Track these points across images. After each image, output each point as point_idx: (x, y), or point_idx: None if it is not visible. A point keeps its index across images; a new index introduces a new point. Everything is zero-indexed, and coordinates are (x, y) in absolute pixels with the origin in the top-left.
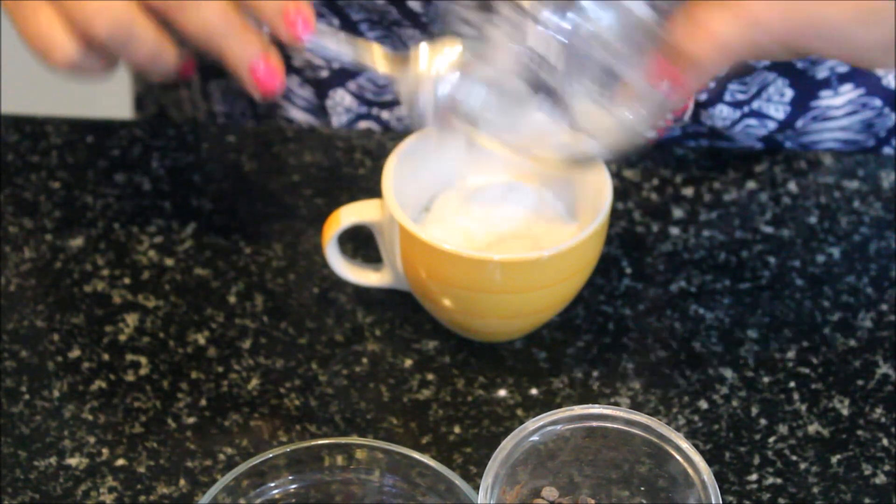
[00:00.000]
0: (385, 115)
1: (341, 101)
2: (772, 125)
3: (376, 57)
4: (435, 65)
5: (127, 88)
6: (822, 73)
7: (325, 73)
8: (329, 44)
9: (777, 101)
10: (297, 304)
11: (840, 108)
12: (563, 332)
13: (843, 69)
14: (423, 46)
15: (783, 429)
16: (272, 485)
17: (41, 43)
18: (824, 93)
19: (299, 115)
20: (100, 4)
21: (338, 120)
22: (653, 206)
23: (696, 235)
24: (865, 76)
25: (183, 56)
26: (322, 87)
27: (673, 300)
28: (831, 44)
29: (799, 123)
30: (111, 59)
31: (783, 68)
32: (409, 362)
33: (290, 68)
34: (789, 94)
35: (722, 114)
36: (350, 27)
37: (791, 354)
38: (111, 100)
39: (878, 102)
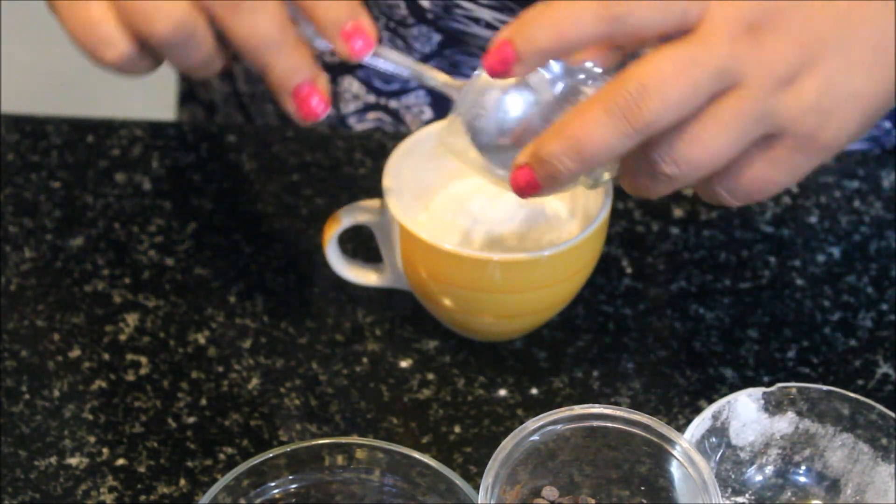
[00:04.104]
0: (393, 104)
1: (349, 87)
2: None
3: (435, 74)
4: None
5: (172, 88)
6: None
7: (336, 59)
8: (387, 62)
9: None
10: (297, 304)
11: None
12: (563, 332)
13: None
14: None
15: None
16: (272, 485)
17: (92, 38)
18: None
19: None
20: (161, 4)
21: (345, 107)
22: (653, 205)
23: (696, 235)
24: None
25: (229, 59)
26: (333, 73)
27: (673, 300)
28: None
29: None
30: (158, 60)
31: None
32: (409, 362)
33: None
34: None
35: None
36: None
37: (791, 354)
38: (155, 100)
39: (886, 124)
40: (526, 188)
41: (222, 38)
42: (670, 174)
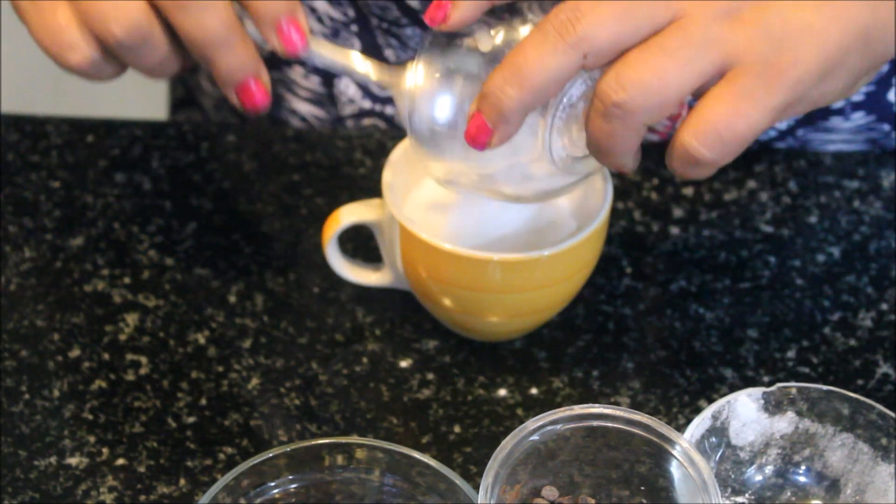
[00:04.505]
0: (389, 110)
1: (346, 89)
2: (772, 133)
3: (370, 66)
4: (426, 81)
5: (163, 90)
6: (838, 103)
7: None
8: (322, 55)
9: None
10: (297, 304)
11: (846, 129)
12: (563, 331)
13: (857, 98)
14: (416, 63)
15: None
16: (272, 485)
17: (57, 42)
18: (835, 119)
19: (304, 107)
20: (116, 5)
21: (342, 110)
22: (653, 205)
23: (696, 235)
24: (878, 103)
25: (188, 60)
26: (329, 76)
27: (673, 300)
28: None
29: (800, 132)
30: (122, 64)
31: None
32: (409, 362)
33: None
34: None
35: None
36: (363, 22)
37: (791, 354)
38: (146, 101)
39: (886, 127)
40: (477, 134)
41: (178, 40)
42: (619, 101)
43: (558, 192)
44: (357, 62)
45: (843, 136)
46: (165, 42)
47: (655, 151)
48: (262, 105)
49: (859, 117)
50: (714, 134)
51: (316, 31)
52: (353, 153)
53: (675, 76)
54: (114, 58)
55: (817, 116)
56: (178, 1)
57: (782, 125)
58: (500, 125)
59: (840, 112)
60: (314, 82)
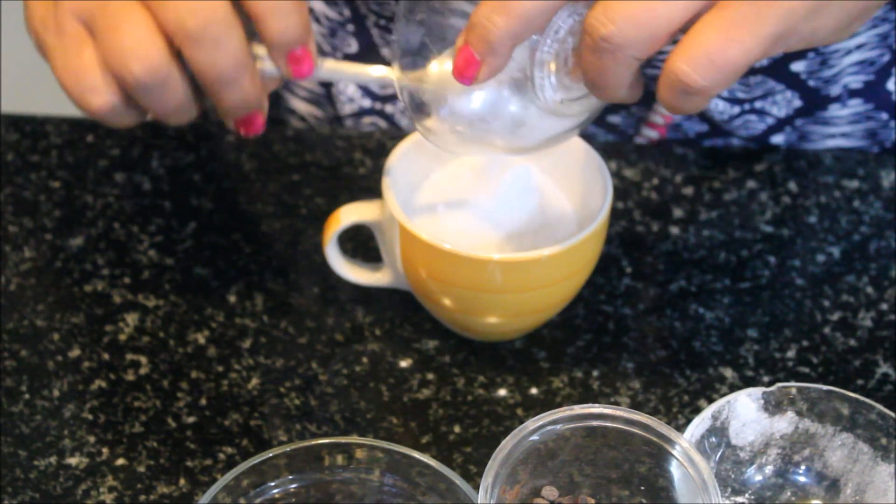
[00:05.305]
0: (389, 108)
1: (344, 89)
2: (771, 121)
3: (374, 72)
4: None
5: None
6: (835, 90)
7: None
8: (331, 73)
9: (783, 105)
10: (297, 304)
11: (844, 116)
12: (563, 331)
13: (856, 86)
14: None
15: None
16: (272, 484)
17: (80, 85)
18: (833, 106)
19: (302, 106)
20: (137, 44)
21: (341, 109)
22: (653, 205)
23: (696, 235)
24: (877, 92)
25: (203, 105)
26: None
27: (673, 300)
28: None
29: (799, 122)
30: (140, 112)
31: (792, 82)
32: (408, 362)
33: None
34: (797, 103)
35: (718, 108)
36: (359, 21)
37: (791, 354)
38: None
39: (884, 116)
40: (464, 67)
41: (196, 86)
42: (607, 35)
43: (556, 140)
44: (364, 69)
45: (841, 128)
46: (183, 84)
47: (655, 151)
48: (257, 133)
49: (857, 104)
50: (706, 59)
51: (314, 32)
52: (353, 153)
53: (664, 8)
54: (133, 104)
55: (815, 106)
56: (194, 36)
57: (781, 113)
58: (487, 56)
59: (837, 99)
60: (314, 82)
